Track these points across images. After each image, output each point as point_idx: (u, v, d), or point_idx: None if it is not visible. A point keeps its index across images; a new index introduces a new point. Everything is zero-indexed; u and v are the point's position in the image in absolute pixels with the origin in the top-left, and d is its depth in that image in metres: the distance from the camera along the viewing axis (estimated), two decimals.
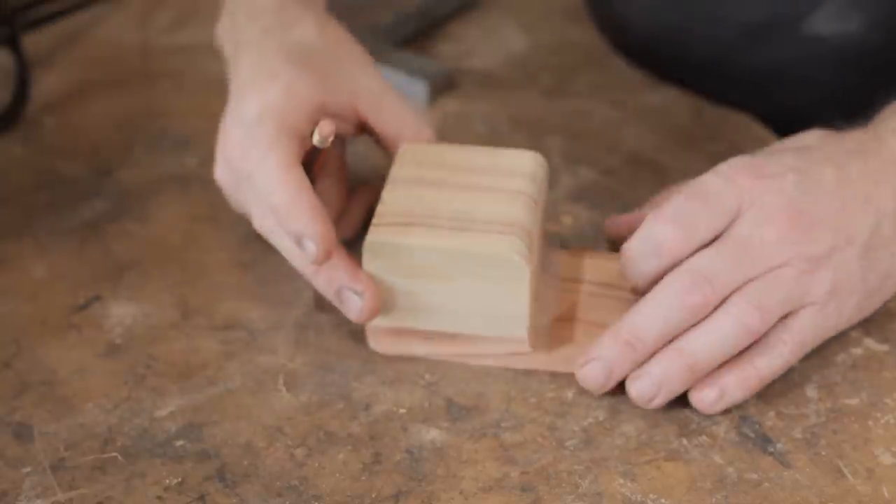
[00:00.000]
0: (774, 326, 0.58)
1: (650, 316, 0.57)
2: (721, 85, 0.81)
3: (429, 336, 0.61)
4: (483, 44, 0.89)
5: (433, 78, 0.82)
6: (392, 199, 0.60)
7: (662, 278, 0.58)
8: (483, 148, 0.64)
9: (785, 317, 0.58)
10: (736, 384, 0.57)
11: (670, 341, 0.57)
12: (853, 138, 0.62)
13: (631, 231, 0.59)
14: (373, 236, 0.59)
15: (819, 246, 0.58)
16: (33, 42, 0.83)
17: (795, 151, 0.61)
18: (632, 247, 0.58)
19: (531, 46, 0.89)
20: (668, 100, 0.83)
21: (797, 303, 0.58)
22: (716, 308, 0.57)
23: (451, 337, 0.61)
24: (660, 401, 0.57)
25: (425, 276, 0.59)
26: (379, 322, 0.61)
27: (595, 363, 0.58)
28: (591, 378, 0.58)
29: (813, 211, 0.58)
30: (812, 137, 0.63)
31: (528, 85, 0.84)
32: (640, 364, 0.57)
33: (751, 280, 0.57)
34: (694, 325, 0.57)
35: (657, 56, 0.84)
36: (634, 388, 0.57)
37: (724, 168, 0.59)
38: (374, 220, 0.59)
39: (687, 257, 0.57)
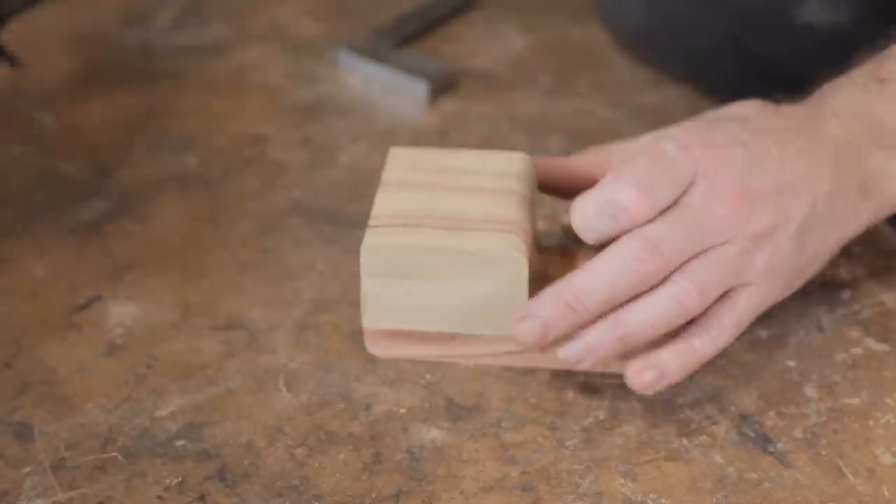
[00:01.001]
0: (713, 306, 0.57)
1: (597, 280, 0.56)
2: (716, 75, 0.82)
3: (427, 337, 0.61)
4: (483, 44, 0.90)
5: (433, 78, 0.83)
6: (386, 202, 0.60)
7: (612, 241, 0.56)
8: (472, 151, 0.64)
9: (722, 296, 0.58)
10: (675, 365, 0.57)
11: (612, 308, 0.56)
12: (792, 115, 0.61)
13: (568, 178, 0.60)
14: (370, 238, 0.58)
15: (761, 223, 0.57)
16: (34, 41, 0.83)
17: (738, 122, 0.60)
18: (588, 207, 0.57)
19: (531, 46, 0.89)
20: (668, 100, 0.83)
21: (735, 282, 0.58)
22: (661, 281, 0.56)
23: (450, 337, 0.61)
24: (586, 365, 0.57)
25: (423, 276, 0.59)
26: (377, 325, 0.61)
27: (532, 321, 0.56)
28: (527, 335, 0.57)
29: (758, 187, 0.58)
30: (749, 109, 0.62)
31: (528, 85, 0.85)
32: (578, 326, 0.56)
33: (698, 254, 0.57)
34: (633, 298, 0.56)
35: (656, 46, 0.84)
36: (562, 350, 0.57)
37: (678, 134, 0.58)
38: (370, 223, 0.59)
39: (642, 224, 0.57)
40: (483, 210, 0.59)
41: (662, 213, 0.57)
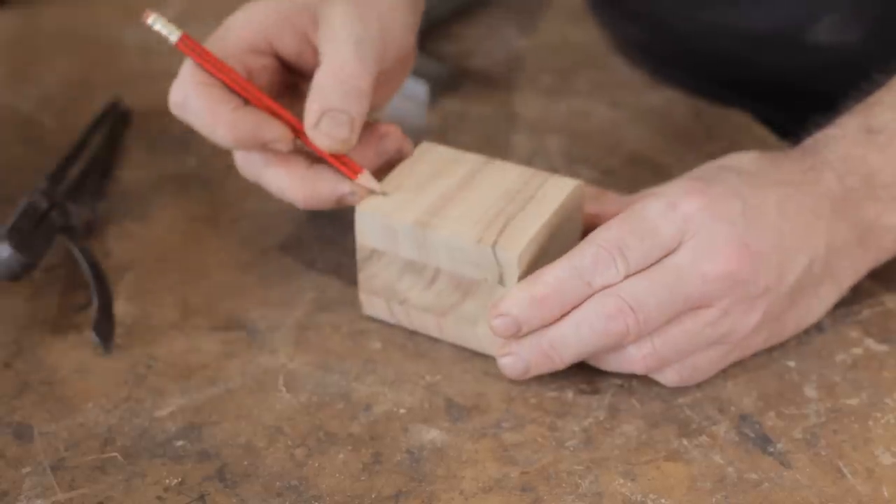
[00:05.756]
0: None
1: (571, 336, 0.57)
2: (721, 89, 0.82)
3: None
4: (483, 44, 0.89)
5: (434, 78, 0.82)
6: (454, 223, 0.59)
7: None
8: (401, 164, 0.63)
9: None
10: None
11: None
12: (790, 168, 0.60)
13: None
14: (513, 248, 0.57)
15: (757, 285, 0.56)
16: (34, 40, 0.83)
17: (736, 174, 0.59)
18: (557, 271, 0.57)
19: (531, 46, 0.89)
20: (668, 100, 0.83)
21: (712, 343, 0.58)
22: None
23: None
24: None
25: (548, 248, 0.60)
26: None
27: (515, 358, 0.58)
28: (510, 370, 0.58)
29: (756, 244, 0.56)
30: (748, 160, 0.61)
31: (528, 85, 0.84)
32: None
33: (679, 315, 0.56)
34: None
35: (659, 58, 0.84)
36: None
37: (670, 192, 0.58)
38: (480, 240, 0.58)
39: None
40: (511, 180, 0.61)
41: (644, 271, 0.56)
